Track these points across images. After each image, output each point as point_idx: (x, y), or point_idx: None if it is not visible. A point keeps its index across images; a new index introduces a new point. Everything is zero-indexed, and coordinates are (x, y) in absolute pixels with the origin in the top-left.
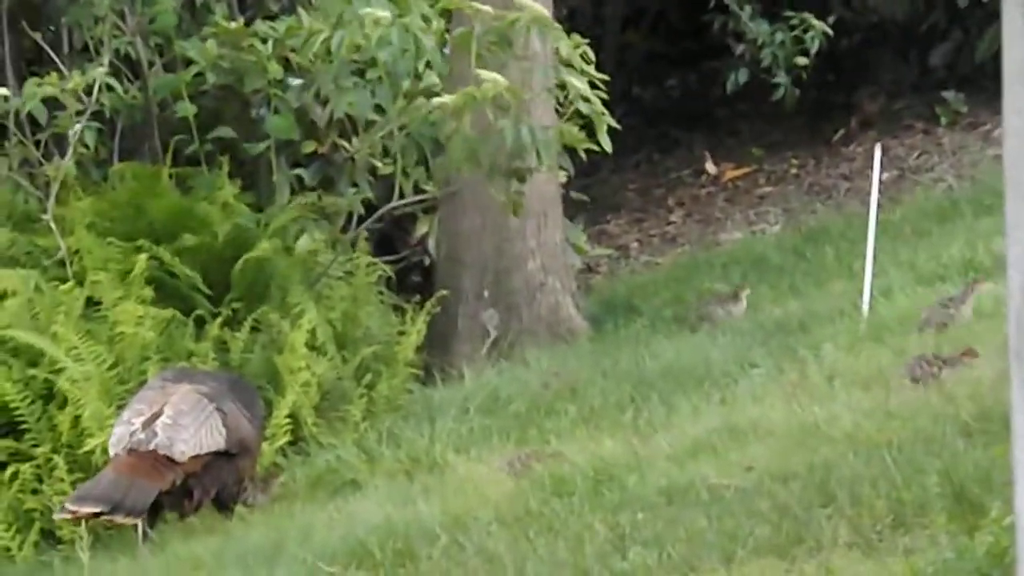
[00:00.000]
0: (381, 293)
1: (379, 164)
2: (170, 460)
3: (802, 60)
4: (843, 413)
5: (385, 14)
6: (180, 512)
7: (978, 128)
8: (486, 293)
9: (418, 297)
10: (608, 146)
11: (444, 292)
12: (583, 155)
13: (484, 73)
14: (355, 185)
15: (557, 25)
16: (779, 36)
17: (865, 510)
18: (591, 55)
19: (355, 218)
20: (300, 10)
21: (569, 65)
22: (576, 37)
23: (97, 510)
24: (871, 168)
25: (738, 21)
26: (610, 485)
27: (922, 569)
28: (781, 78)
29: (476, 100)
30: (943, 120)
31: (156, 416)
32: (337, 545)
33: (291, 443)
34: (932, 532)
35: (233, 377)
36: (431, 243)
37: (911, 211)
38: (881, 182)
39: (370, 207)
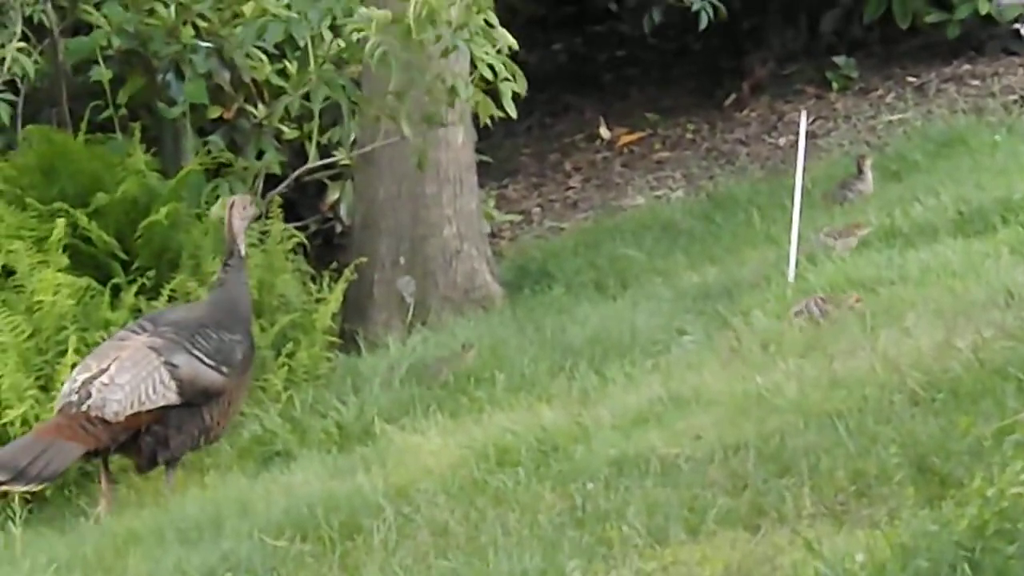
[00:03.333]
0: (295, 261)
1: (285, 129)
2: (104, 420)
3: None
4: (786, 381)
5: None
6: (137, 467)
7: (870, 93)
8: (402, 260)
9: (335, 264)
10: (513, 112)
11: (362, 259)
12: (489, 122)
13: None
14: (261, 152)
15: None
16: None
17: (825, 480)
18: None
19: (260, 184)
20: None
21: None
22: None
23: None
24: (769, 133)
25: None
26: (556, 456)
27: (905, 542)
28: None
29: (403, 19)
30: (835, 85)
31: (101, 373)
32: (280, 518)
33: None
34: (898, 502)
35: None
36: (342, 210)
37: (819, 177)
38: (781, 148)
39: (277, 173)
